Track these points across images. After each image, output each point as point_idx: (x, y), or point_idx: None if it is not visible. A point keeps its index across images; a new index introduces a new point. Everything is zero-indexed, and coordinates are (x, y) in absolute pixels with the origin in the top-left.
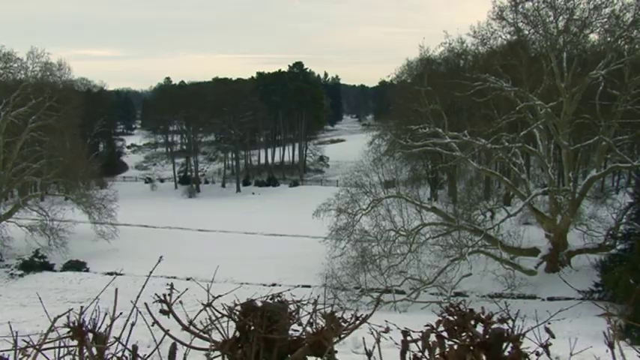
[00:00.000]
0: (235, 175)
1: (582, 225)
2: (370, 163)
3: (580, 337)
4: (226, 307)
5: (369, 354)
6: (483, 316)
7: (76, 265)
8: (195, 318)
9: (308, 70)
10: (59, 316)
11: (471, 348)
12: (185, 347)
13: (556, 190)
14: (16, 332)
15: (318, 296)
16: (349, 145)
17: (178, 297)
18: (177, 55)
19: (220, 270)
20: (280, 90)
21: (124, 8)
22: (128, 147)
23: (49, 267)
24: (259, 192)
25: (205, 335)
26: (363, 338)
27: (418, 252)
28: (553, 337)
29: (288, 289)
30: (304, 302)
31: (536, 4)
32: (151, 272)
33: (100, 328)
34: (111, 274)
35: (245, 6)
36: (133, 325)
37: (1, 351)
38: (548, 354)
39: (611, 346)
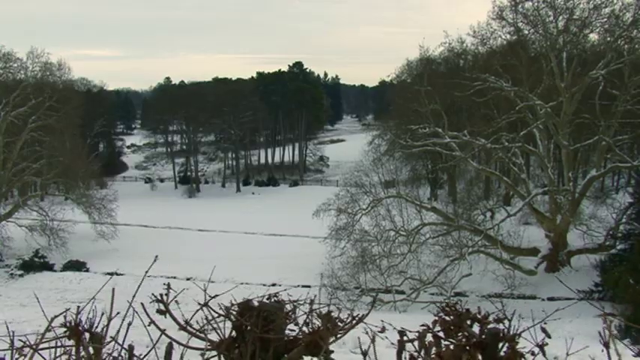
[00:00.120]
0: (235, 175)
1: (582, 225)
2: (370, 163)
3: (580, 337)
4: (223, 307)
5: (364, 353)
6: (479, 316)
7: (76, 265)
8: (191, 318)
9: (308, 70)
10: (56, 316)
11: (467, 348)
12: (182, 347)
13: (556, 190)
14: (13, 332)
15: (315, 296)
16: (349, 145)
17: (175, 297)
18: (177, 55)
19: (220, 270)
20: (280, 90)
21: (124, 8)
22: (128, 147)
23: (49, 267)
24: (259, 192)
25: (202, 335)
26: (359, 338)
27: (418, 252)
28: (549, 337)
29: (284, 289)
30: (301, 302)
31: (536, 4)
32: (146, 272)
33: (96, 327)
34: (111, 274)
35: (245, 6)
36: (129, 324)
37: None
38: (544, 354)
39: (606, 345)
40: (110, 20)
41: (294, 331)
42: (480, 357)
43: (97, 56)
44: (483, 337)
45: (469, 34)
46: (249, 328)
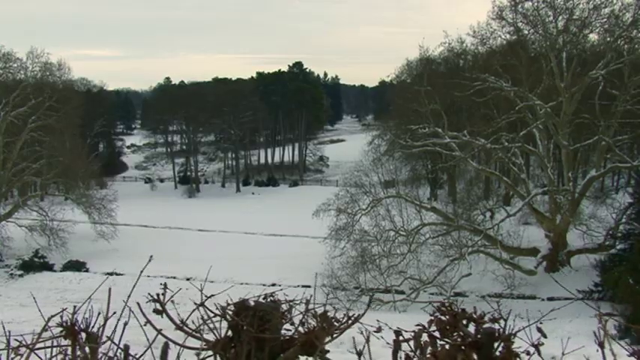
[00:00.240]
0: (235, 175)
1: (582, 225)
2: (370, 163)
3: (579, 337)
4: (219, 307)
5: (359, 353)
6: (475, 316)
7: (76, 265)
8: (188, 317)
9: (308, 70)
10: (52, 316)
11: (462, 347)
12: (178, 347)
13: (556, 190)
14: (9, 332)
15: (311, 296)
16: (349, 145)
17: (172, 296)
18: (177, 55)
19: (220, 270)
20: (280, 90)
21: (124, 8)
22: (128, 147)
23: (48, 267)
24: (259, 192)
25: (197, 335)
26: (354, 338)
27: (418, 252)
28: (545, 336)
29: (281, 289)
30: (297, 302)
31: (535, 3)
32: (141, 272)
33: (93, 327)
34: (110, 274)
35: (245, 6)
36: (125, 324)
37: None
38: (539, 353)
39: (601, 345)
40: (110, 20)
41: (290, 330)
42: (475, 357)
43: (97, 56)
44: (479, 336)
45: (469, 34)
46: (244, 327)
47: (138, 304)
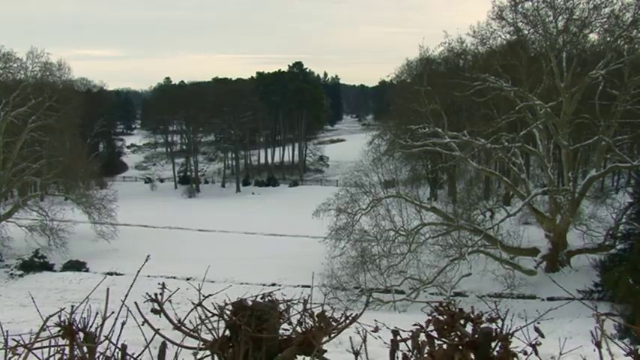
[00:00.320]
0: (235, 175)
1: (582, 225)
2: (370, 163)
3: (579, 337)
4: (217, 307)
5: (356, 353)
6: (473, 316)
7: (76, 265)
8: (185, 317)
9: (308, 70)
10: (51, 316)
11: (460, 347)
12: (176, 346)
13: (556, 189)
14: (7, 332)
15: (309, 296)
16: (349, 145)
17: (169, 296)
18: (177, 55)
19: (220, 270)
20: (280, 90)
21: (124, 8)
22: (128, 147)
23: (48, 267)
24: (259, 192)
25: (195, 334)
26: (350, 337)
27: (418, 252)
28: (542, 336)
29: (278, 289)
30: (294, 302)
31: (535, 3)
32: (138, 272)
33: (91, 327)
34: (110, 274)
35: (245, 6)
36: (123, 324)
37: None
38: (537, 353)
39: (598, 345)
40: (110, 20)
41: (288, 330)
42: (472, 356)
43: (97, 56)
44: (476, 336)
45: (469, 34)
46: (242, 327)
47: (135, 303)
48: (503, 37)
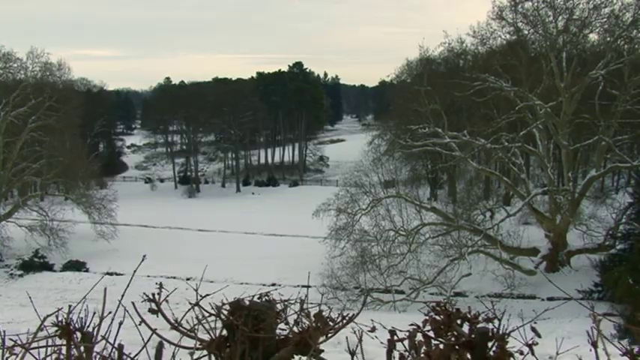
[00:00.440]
0: (235, 175)
1: (582, 225)
2: (370, 163)
3: (578, 337)
4: (214, 307)
5: (352, 353)
6: (470, 316)
7: (76, 265)
8: (183, 317)
9: (308, 70)
10: (48, 315)
11: (456, 347)
12: (173, 346)
13: (556, 190)
14: (4, 331)
15: (306, 295)
16: (349, 145)
17: (167, 296)
18: (177, 55)
19: (220, 270)
20: (280, 90)
21: (124, 8)
22: (128, 147)
23: (48, 267)
24: (259, 192)
25: (192, 334)
26: (347, 337)
27: (418, 252)
28: (539, 336)
29: (276, 289)
30: (292, 302)
31: (535, 4)
32: (134, 271)
33: (88, 327)
34: (110, 274)
35: (245, 6)
36: (120, 324)
37: None
38: (533, 353)
39: (594, 345)
40: (110, 20)
41: (285, 330)
42: (468, 356)
43: (97, 56)
44: (472, 336)
45: (469, 34)
46: (239, 327)
47: (133, 303)
48: (503, 37)
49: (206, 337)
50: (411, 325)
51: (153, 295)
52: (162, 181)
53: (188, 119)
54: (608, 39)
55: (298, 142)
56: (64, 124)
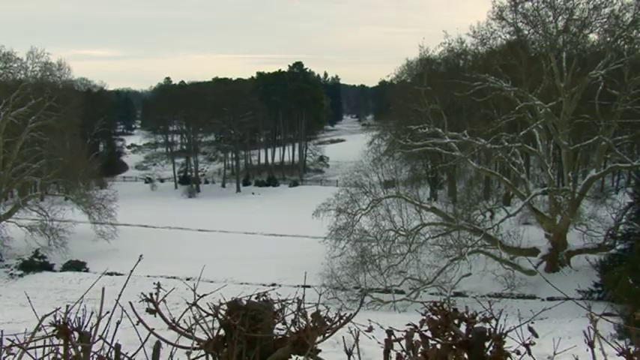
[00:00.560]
0: (235, 175)
1: (582, 225)
2: (370, 163)
3: (578, 337)
4: (212, 306)
5: (348, 353)
6: (467, 316)
7: (76, 265)
8: (180, 317)
9: (308, 70)
10: (46, 315)
11: (453, 347)
12: (171, 346)
13: (556, 190)
14: (1, 331)
15: (303, 295)
16: (349, 145)
17: (165, 296)
18: (177, 55)
19: (220, 270)
20: (280, 90)
21: (124, 8)
22: (128, 147)
23: (48, 267)
24: (259, 192)
25: (189, 334)
26: (343, 337)
27: (418, 252)
28: (536, 336)
29: (273, 289)
30: (289, 302)
31: (535, 4)
32: (131, 271)
33: (86, 327)
34: (110, 274)
35: (245, 6)
36: (118, 323)
37: None
38: (530, 352)
39: (590, 345)
40: (110, 20)
41: (282, 330)
42: (465, 356)
43: (97, 56)
44: (470, 336)
45: (469, 34)
46: (236, 327)
47: (130, 303)
48: (503, 37)
49: (204, 336)
50: (408, 325)
51: (150, 295)
52: (162, 181)
53: (188, 119)
54: (608, 39)
55: (298, 142)
56: (64, 124)
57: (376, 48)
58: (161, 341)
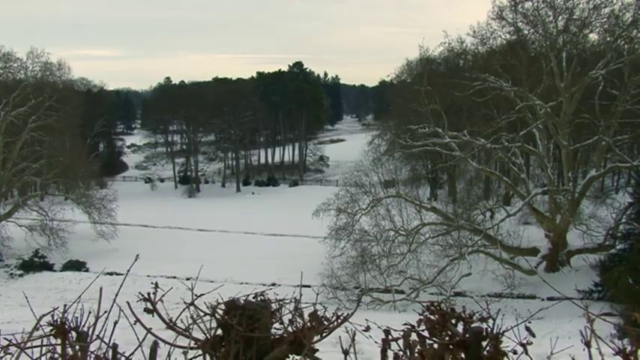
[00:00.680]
0: (235, 175)
1: (582, 225)
2: (370, 162)
3: (577, 337)
4: (209, 306)
5: (345, 352)
6: (464, 316)
7: (76, 265)
8: (178, 317)
9: (308, 70)
10: (44, 315)
11: (450, 347)
12: (169, 346)
13: (556, 189)
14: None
15: (300, 295)
16: (349, 145)
17: (162, 295)
18: (177, 55)
19: (220, 270)
20: (280, 90)
21: (124, 8)
22: (128, 147)
23: (48, 267)
24: (259, 192)
25: (187, 333)
26: (340, 337)
27: (418, 252)
28: (533, 335)
29: (270, 288)
30: (287, 301)
31: (535, 3)
32: (128, 271)
33: (83, 326)
34: (110, 274)
35: (245, 6)
36: (115, 323)
37: None
38: (527, 352)
39: (587, 345)
40: (110, 20)
41: (280, 329)
42: (462, 356)
43: (97, 56)
44: (467, 336)
45: (469, 34)
46: (234, 326)
47: (128, 303)
48: (503, 37)
49: (201, 336)
50: (405, 324)
51: (148, 294)
52: (162, 181)
53: (188, 119)
54: (608, 39)
55: (298, 142)
56: (64, 124)
57: (376, 48)
58: (158, 341)
